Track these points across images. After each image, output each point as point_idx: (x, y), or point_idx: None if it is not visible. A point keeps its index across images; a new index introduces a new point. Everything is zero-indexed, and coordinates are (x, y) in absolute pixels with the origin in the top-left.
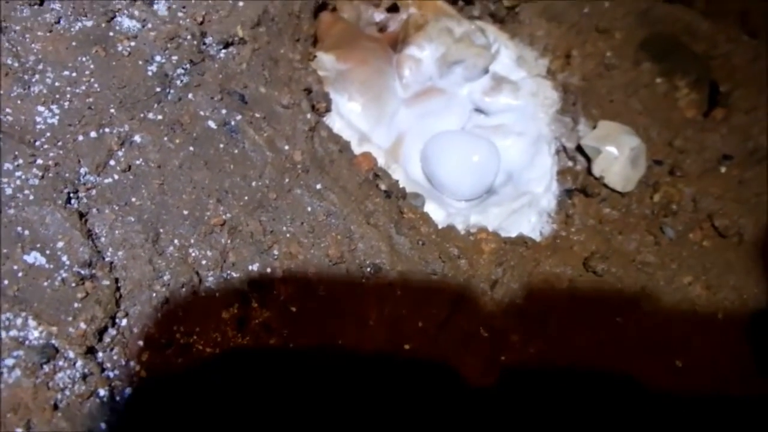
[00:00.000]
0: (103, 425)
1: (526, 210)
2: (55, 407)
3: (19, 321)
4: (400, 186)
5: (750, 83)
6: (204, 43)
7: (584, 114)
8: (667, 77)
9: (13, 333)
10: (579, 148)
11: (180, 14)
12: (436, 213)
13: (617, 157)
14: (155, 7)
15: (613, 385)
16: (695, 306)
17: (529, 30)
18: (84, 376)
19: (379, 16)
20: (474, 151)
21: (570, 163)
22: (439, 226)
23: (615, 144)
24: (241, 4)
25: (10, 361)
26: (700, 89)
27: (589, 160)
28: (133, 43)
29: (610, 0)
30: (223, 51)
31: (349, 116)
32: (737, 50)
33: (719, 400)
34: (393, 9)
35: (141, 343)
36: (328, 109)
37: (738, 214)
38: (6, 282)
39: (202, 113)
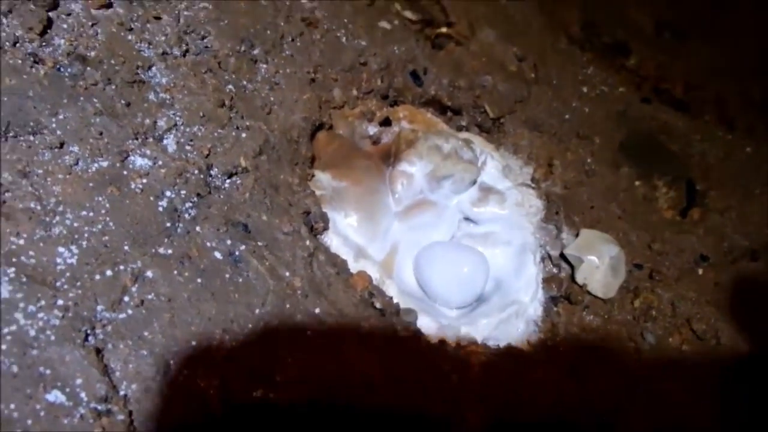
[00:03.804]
0: None
1: (514, 320)
2: None
3: None
4: (394, 302)
5: (724, 182)
6: (210, 175)
7: (566, 222)
8: (645, 179)
9: None
10: (563, 256)
11: (188, 148)
12: (429, 326)
13: (598, 266)
14: (164, 143)
15: None
16: (676, 413)
17: (513, 140)
18: None
19: (373, 129)
20: (464, 262)
21: (555, 270)
22: (431, 341)
23: (595, 253)
24: (244, 135)
25: None
26: (678, 188)
27: (572, 267)
28: (145, 181)
29: (590, 104)
30: (228, 181)
31: (346, 232)
32: (712, 148)
33: None
34: (386, 123)
35: None
36: (325, 228)
37: (715, 317)
38: (29, 422)
39: (208, 245)
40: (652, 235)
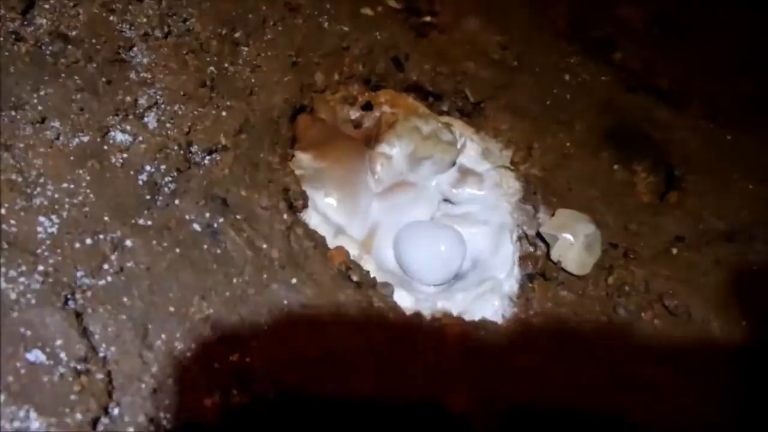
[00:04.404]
0: None
1: (490, 295)
2: None
3: (21, 413)
4: (371, 276)
5: (703, 168)
6: (190, 152)
7: (544, 202)
8: (624, 164)
9: (16, 424)
10: (539, 235)
11: (168, 125)
12: (405, 300)
13: (573, 243)
14: (145, 120)
15: None
16: (647, 383)
17: (493, 124)
18: None
19: (354, 113)
20: (441, 241)
21: (531, 249)
22: (407, 313)
23: (571, 231)
24: (224, 113)
25: None
26: (657, 174)
27: (548, 245)
28: (125, 155)
29: (571, 92)
30: (208, 158)
31: (326, 211)
32: (693, 135)
33: None
34: (367, 107)
35: (131, 429)
36: (305, 206)
37: (687, 294)
38: (10, 378)
39: (187, 217)
40: (628, 217)
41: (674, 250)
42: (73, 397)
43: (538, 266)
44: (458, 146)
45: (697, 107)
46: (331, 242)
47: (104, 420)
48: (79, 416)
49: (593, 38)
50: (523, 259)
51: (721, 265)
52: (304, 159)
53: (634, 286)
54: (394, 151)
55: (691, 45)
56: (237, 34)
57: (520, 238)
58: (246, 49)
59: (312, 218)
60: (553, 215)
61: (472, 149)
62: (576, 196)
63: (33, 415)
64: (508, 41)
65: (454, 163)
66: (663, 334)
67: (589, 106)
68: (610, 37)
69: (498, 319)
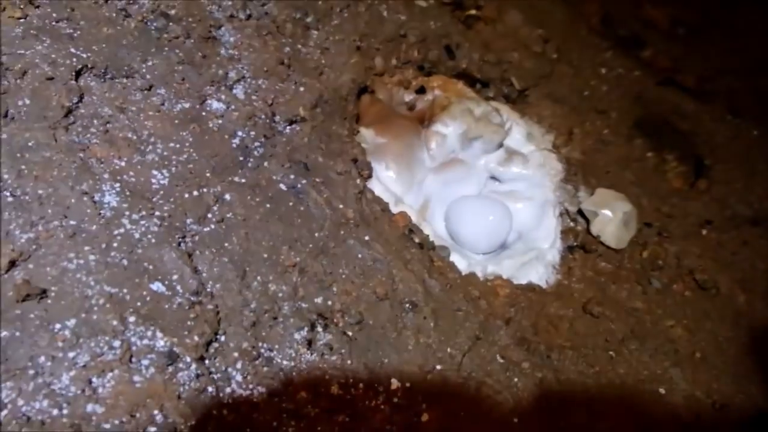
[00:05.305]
0: (214, 412)
1: (534, 262)
2: (179, 397)
3: (149, 333)
4: (430, 239)
5: (730, 159)
6: (274, 121)
7: (584, 183)
8: (656, 152)
9: (145, 341)
10: (579, 211)
11: (254, 97)
12: (460, 262)
13: (611, 219)
14: (234, 91)
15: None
16: (676, 345)
17: (536, 110)
18: (197, 376)
19: (409, 96)
20: (490, 212)
21: (572, 224)
22: (463, 273)
23: (610, 208)
24: (301, 89)
25: (145, 362)
26: (687, 163)
27: (588, 221)
28: (220, 121)
29: (607, 84)
30: (289, 127)
31: (386, 182)
32: (719, 129)
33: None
34: (420, 91)
35: (236, 354)
36: (370, 176)
37: (715, 270)
38: (138, 304)
39: (275, 178)
40: (661, 200)
41: (704, 232)
42: (189, 322)
43: (579, 240)
44: (505, 129)
45: (722, 103)
46: (393, 209)
47: (215, 344)
48: (196, 338)
49: (623, 36)
50: (565, 232)
51: (748, 246)
52: (367, 134)
53: (666, 261)
54: (448, 130)
55: (714, 45)
56: (308, 19)
57: (561, 214)
58: (316, 32)
59: (375, 187)
60: (592, 194)
61: (517, 132)
62: (613, 179)
63: (159, 334)
64: (548, 35)
65: (501, 145)
66: (691, 303)
67: (623, 98)
68: (638, 35)
69: (542, 284)
